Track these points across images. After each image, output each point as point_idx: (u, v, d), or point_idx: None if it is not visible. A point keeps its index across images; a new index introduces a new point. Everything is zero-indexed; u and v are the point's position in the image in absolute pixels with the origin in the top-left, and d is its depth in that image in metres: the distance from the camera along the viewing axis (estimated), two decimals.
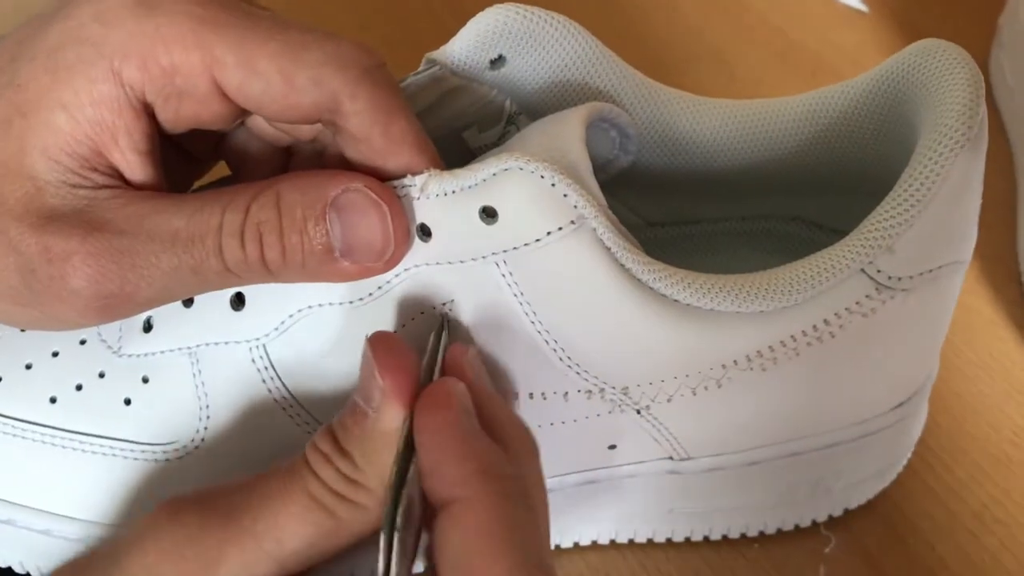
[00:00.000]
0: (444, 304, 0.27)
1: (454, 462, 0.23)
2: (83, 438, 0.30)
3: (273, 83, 0.25)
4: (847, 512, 0.35)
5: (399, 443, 0.24)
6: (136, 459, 0.30)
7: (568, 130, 0.28)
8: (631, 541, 0.34)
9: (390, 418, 0.24)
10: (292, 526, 0.24)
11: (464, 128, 0.32)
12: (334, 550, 0.25)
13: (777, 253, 0.36)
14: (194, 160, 0.32)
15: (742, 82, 0.53)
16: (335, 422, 0.25)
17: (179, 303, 0.29)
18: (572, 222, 0.25)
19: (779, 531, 0.34)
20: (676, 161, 0.33)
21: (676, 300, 0.27)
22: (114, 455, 0.30)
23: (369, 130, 0.26)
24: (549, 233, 0.26)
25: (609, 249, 0.26)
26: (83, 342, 0.31)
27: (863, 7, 0.57)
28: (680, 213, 0.36)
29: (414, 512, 0.23)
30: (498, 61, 0.30)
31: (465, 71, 0.30)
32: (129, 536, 0.24)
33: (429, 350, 0.27)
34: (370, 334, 0.26)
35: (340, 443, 0.25)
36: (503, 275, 0.26)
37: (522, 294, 0.27)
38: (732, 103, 0.33)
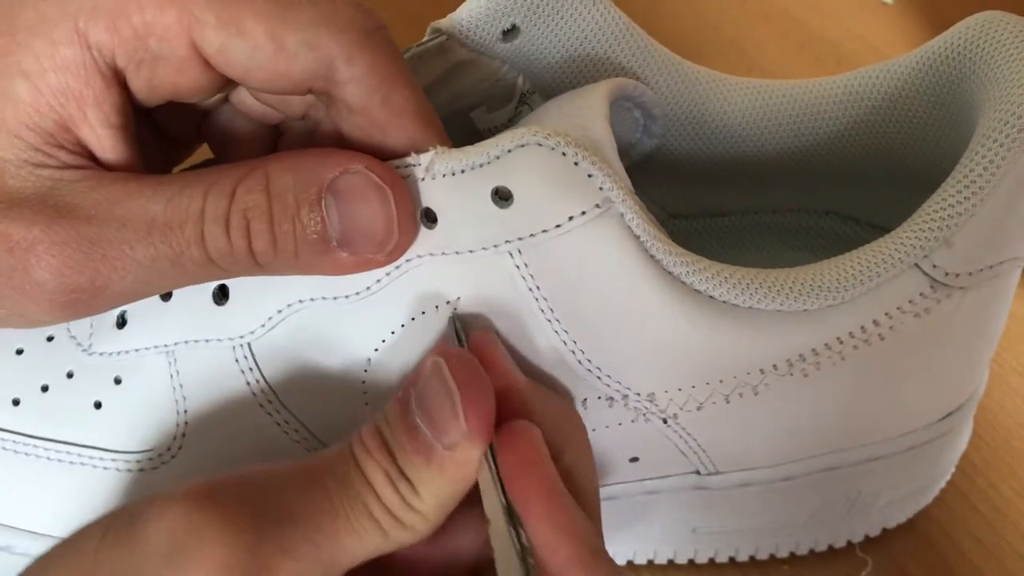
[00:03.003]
0: (449, 303, 0.24)
1: (565, 540, 0.21)
2: (48, 444, 0.27)
3: (260, 46, 0.22)
4: (885, 532, 0.32)
5: (499, 493, 0.22)
6: (106, 468, 0.27)
7: (591, 106, 0.25)
8: (650, 562, 0.32)
9: (466, 461, 0.21)
10: (350, 543, 0.21)
11: (472, 108, 0.29)
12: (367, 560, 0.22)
13: (809, 250, 0.34)
14: (173, 142, 0.29)
15: (760, 74, 0.51)
16: (386, 430, 0.22)
17: (156, 296, 0.27)
18: (597, 206, 0.23)
19: (811, 552, 0.32)
20: (703, 146, 0.31)
21: (711, 296, 0.24)
22: (82, 464, 0.27)
23: (368, 100, 0.23)
24: (571, 218, 0.23)
25: (638, 237, 0.23)
26: (50, 339, 0.28)
27: None
28: (705, 205, 0.33)
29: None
30: (511, 32, 0.27)
31: (474, 42, 0.27)
32: (160, 533, 0.20)
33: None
34: (439, 349, 0.23)
35: (399, 465, 0.22)
36: (517, 266, 0.24)
37: (538, 288, 0.24)
38: (766, 83, 0.30)
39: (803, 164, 0.31)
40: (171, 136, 0.28)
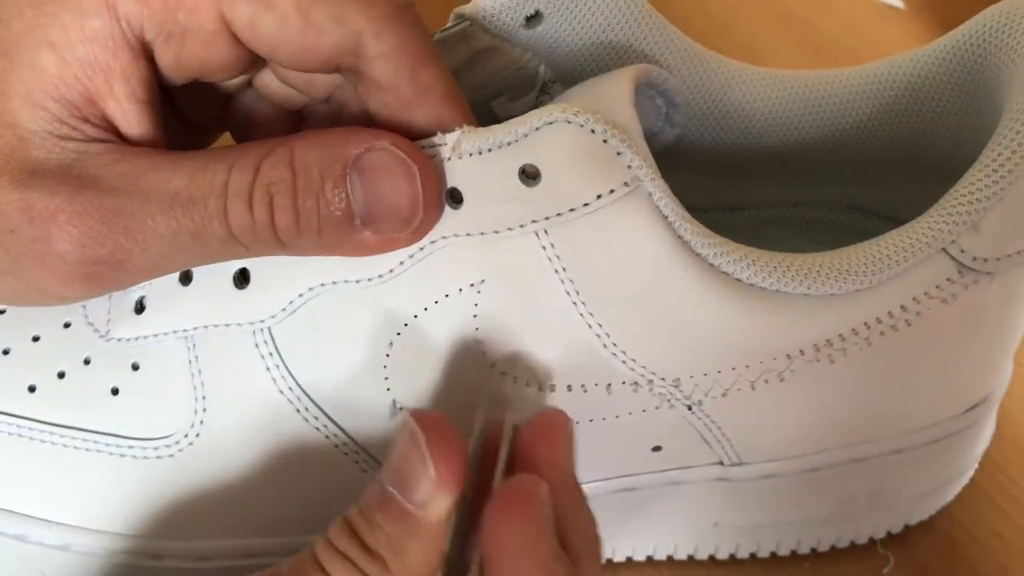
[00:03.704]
0: (473, 285, 0.24)
1: None
2: (64, 431, 0.27)
3: (289, 20, 0.22)
4: (907, 530, 0.32)
5: (448, 544, 0.20)
6: (122, 456, 0.27)
7: (615, 90, 0.25)
8: (670, 558, 0.31)
9: (439, 516, 0.20)
10: None
11: (493, 96, 0.29)
12: None
13: (829, 244, 0.33)
14: (195, 129, 0.29)
15: None
16: (355, 515, 0.21)
17: (176, 280, 0.26)
18: (625, 184, 0.22)
19: (833, 548, 0.31)
20: (724, 137, 0.30)
21: (739, 279, 0.24)
22: (98, 451, 0.27)
23: (396, 76, 0.23)
24: (599, 197, 0.23)
25: (666, 218, 0.23)
26: (67, 325, 0.28)
27: (899, 2, 0.54)
28: (725, 198, 0.33)
29: None
30: (534, 18, 0.27)
31: (497, 28, 0.27)
32: None
33: (478, 431, 0.23)
34: (410, 408, 0.22)
35: (365, 541, 0.21)
36: (543, 247, 0.23)
37: (564, 269, 0.24)
38: (788, 73, 0.30)
39: (824, 155, 0.31)
40: (194, 123, 0.28)
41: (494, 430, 0.23)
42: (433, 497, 0.20)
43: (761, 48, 0.53)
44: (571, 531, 0.21)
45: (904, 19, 0.54)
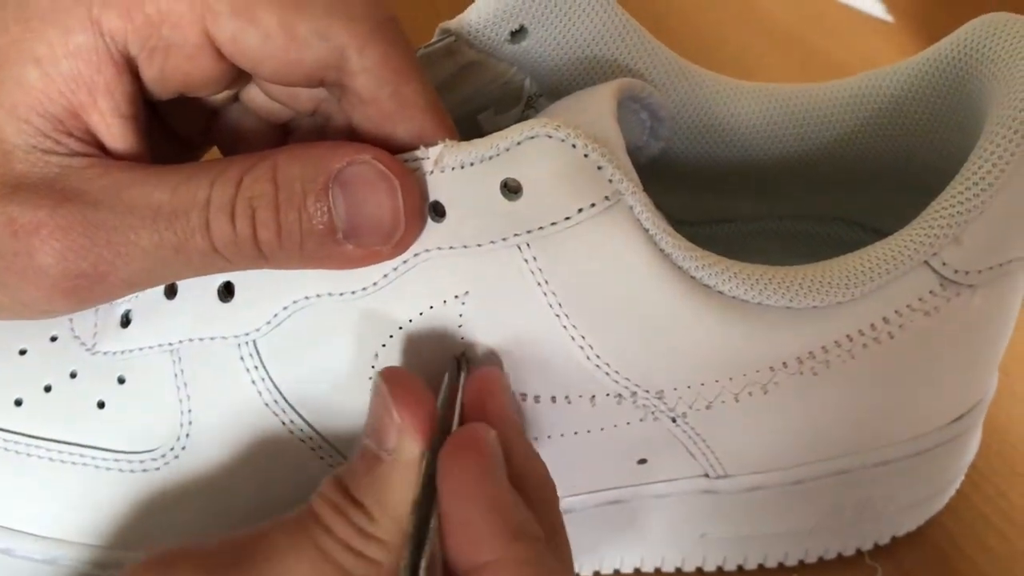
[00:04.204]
0: (457, 297, 0.24)
1: (482, 520, 0.21)
2: (50, 445, 0.27)
3: (272, 35, 0.22)
4: (894, 540, 0.32)
5: (416, 489, 0.21)
6: (108, 469, 0.27)
7: (598, 104, 0.25)
8: (657, 570, 0.31)
9: (408, 461, 0.22)
10: None
11: (479, 111, 0.29)
12: None
13: (814, 257, 0.33)
14: (182, 144, 0.29)
15: None
16: (343, 470, 0.23)
17: (161, 293, 0.26)
18: (606, 198, 0.23)
19: (820, 560, 0.31)
20: (709, 150, 0.31)
21: (721, 292, 0.24)
22: (84, 464, 0.27)
23: (378, 91, 0.23)
24: (580, 211, 0.23)
25: (647, 231, 0.23)
26: (54, 339, 0.28)
27: (887, 16, 0.55)
28: (710, 211, 0.33)
29: (436, 568, 0.21)
30: (519, 33, 0.27)
31: (483, 43, 0.27)
32: None
33: (444, 388, 0.24)
34: (380, 368, 0.23)
35: (351, 492, 0.22)
36: (526, 260, 0.23)
37: (547, 282, 0.24)
38: (771, 87, 0.30)
39: (809, 168, 0.31)
40: (180, 137, 0.28)
41: (452, 392, 0.24)
42: (400, 442, 0.22)
43: (750, 62, 0.53)
44: (522, 475, 0.22)
45: (892, 32, 0.54)
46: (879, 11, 0.55)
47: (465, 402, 0.24)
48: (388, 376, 0.22)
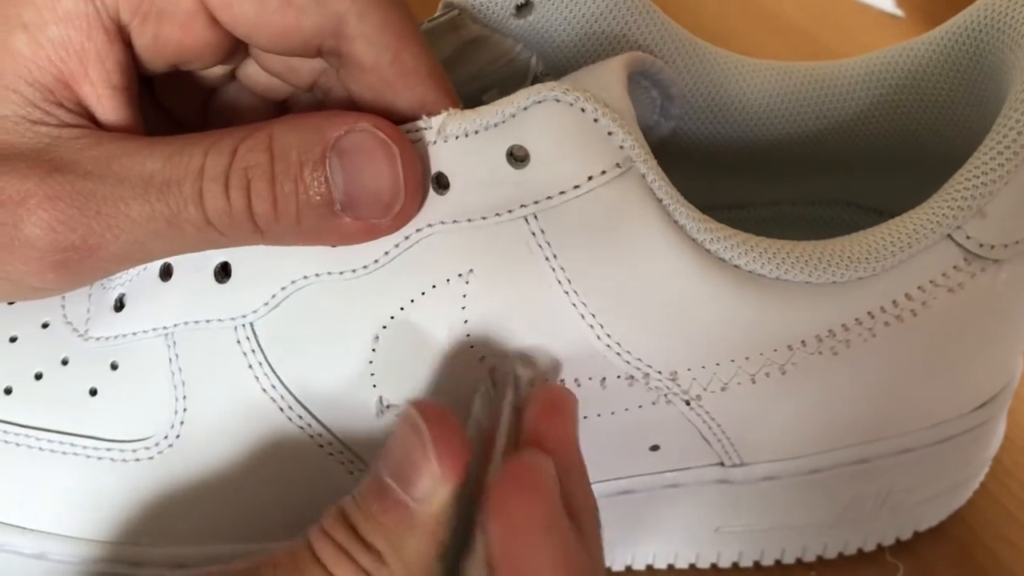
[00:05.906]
0: (461, 275, 0.23)
1: (549, 571, 0.19)
2: (41, 434, 0.26)
3: (268, 0, 0.21)
4: (916, 537, 0.31)
5: (446, 534, 0.20)
6: (100, 459, 0.26)
7: (608, 75, 0.24)
8: (671, 566, 0.30)
9: (438, 508, 0.20)
10: None
11: (484, 90, 0.29)
12: None
13: None
14: (178, 125, 0.28)
15: None
16: (350, 505, 0.21)
17: (156, 275, 0.26)
18: (617, 165, 0.22)
19: (840, 555, 0.30)
20: (721, 131, 0.30)
21: (737, 266, 0.23)
22: (75, 454, 0.26)
23: (378, 58, 0.22)
24: (590, 178, 0.22)
25: (660, 201, 0.22)
26: (46, 325, 0.27)
27: (898, 11, 0.54)
28: (723, 196, 0.32)
29: None
30: (525, 7, 0.27)
31: (487, 18, 0.27)
32: None
33: (477, 411, 0.23)
34: (412, 399, 0.21)
35: (361, 533, 0.20)
36: (532, 233, 0.23)
37: (555, 256, 0.23)
38: (785, 65, 0.29)
39: (824, 148, 0.30)
40: (176, 118, 0.27)
41: (490, 415, 0.22)
42: (434, 492, 0.20)
43: (758, 58, 0.52)
44: (579, 507, 0.21)
45: (904, 28, 0.53)
46: (889, 6, 0.54)
47: (526, 422, 0.22)
48: (426, 413, 0.20)
